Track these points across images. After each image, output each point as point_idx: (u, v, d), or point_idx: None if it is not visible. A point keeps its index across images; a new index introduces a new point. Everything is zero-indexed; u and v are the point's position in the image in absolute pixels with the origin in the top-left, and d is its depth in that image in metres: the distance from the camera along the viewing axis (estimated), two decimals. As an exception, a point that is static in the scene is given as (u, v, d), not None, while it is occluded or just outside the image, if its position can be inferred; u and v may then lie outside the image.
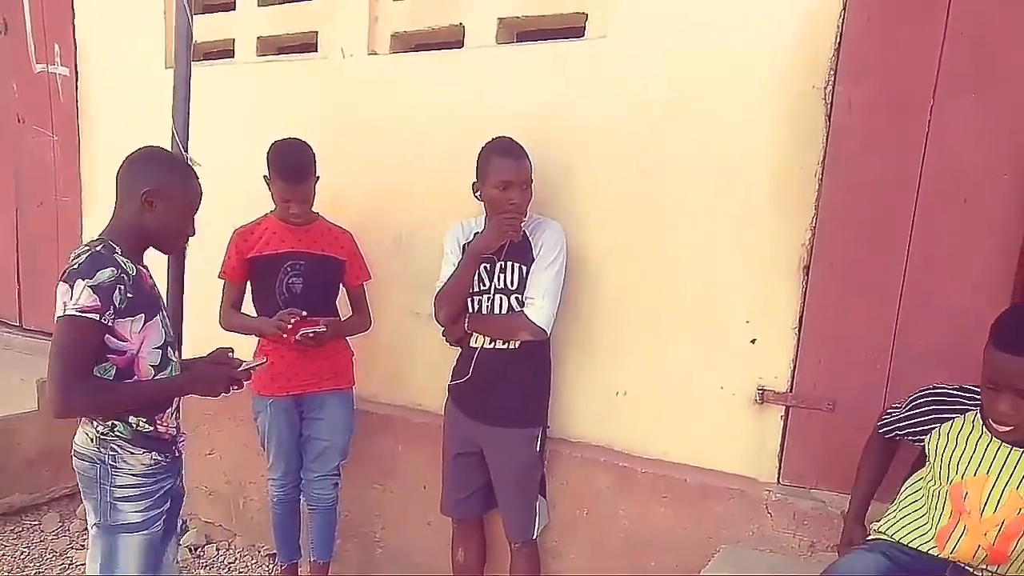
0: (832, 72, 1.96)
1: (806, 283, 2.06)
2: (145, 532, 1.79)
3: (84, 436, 1.78)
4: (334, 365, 2.54)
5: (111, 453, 1.76)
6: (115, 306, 1.66)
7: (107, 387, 1.72)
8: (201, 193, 1.87)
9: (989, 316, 1.79)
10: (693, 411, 2.24)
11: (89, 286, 1.63)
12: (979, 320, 1.83)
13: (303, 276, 2.46)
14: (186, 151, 2.30)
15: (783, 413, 2.12)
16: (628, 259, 2.29)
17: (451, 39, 2.59)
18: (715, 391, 2.20)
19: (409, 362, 2.76)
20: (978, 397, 1.60)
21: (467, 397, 2.31)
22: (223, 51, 3.08)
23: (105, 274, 1.65)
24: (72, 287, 1.63)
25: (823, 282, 2.03)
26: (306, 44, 2.92)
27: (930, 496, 1.68)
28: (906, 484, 1.76)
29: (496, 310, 2.21)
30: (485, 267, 2.21)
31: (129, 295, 1.69)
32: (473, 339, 2.25)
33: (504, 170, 2.13)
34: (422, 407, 2.73)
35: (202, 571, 3.08)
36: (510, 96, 2.43)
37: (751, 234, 2.11)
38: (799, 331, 2.08)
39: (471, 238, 2.25)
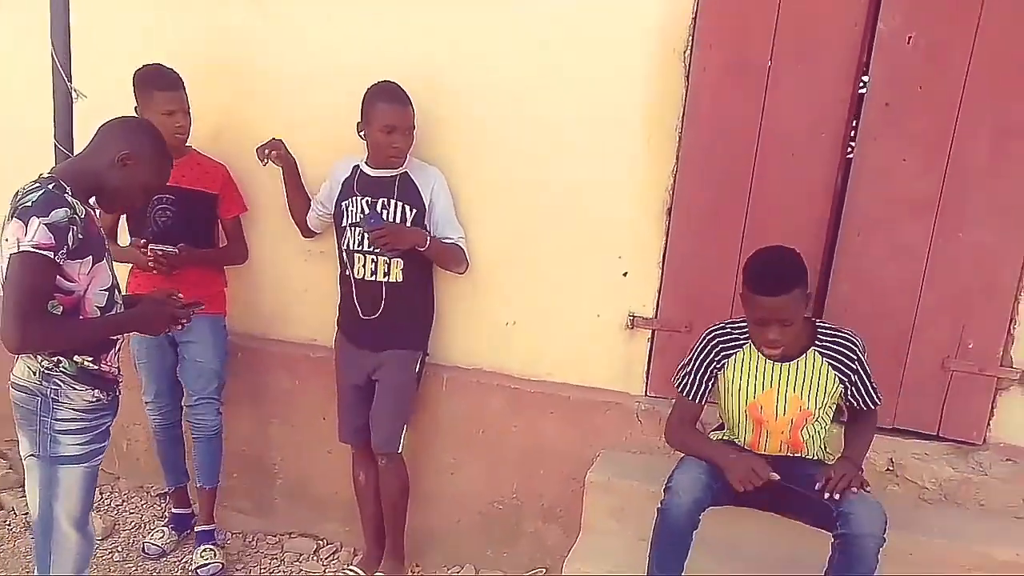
0: (690, 39, 2.54)
1: (668, 223, 2.69)
2: (86, 464, 2.13)
3: (26, 369, 2.05)
4: (205, 293, 2.82)
5: (54, 387, 2.03)
6: (67, 246, 1.91)
7: (62, 323, 1.99)
8: (164, 186, 2.23)
9: (811, 248, 2.52)
10: (574, 337, 2.88)
11: (44, 224, 1.85)
12: (804, 254, 2.55)
13: (172, 209, 2.83)
14: (70, 80, 2.54)
15: (650, 336, 2.80)
16: (513, 201, 2.84)
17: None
18: (592, 319, 2.83)
19: (303, 299, 3.21)
20: (746, 328, 2.26)
21: (354, 328, 2.82)
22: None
23: (60, 213, 1.88)
24: (27, 224, 1.85)
25: (682, 222, 2.68)
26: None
27: (732, 423, 2.38)
28: (715, 429, 2.51)
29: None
30: (368, 201, 2.69)
31: (80, 236, 1.94)
32: (357, 270, 2.73)
33: (389, 115, 2.60)
34: (318, 342, 3.19)
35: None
36: (399, 36, 2.84)
37: (623, 179, 2.71)
38: (663, 266, 2.72)
39: (348, 173, 2.75)
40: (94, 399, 2.12)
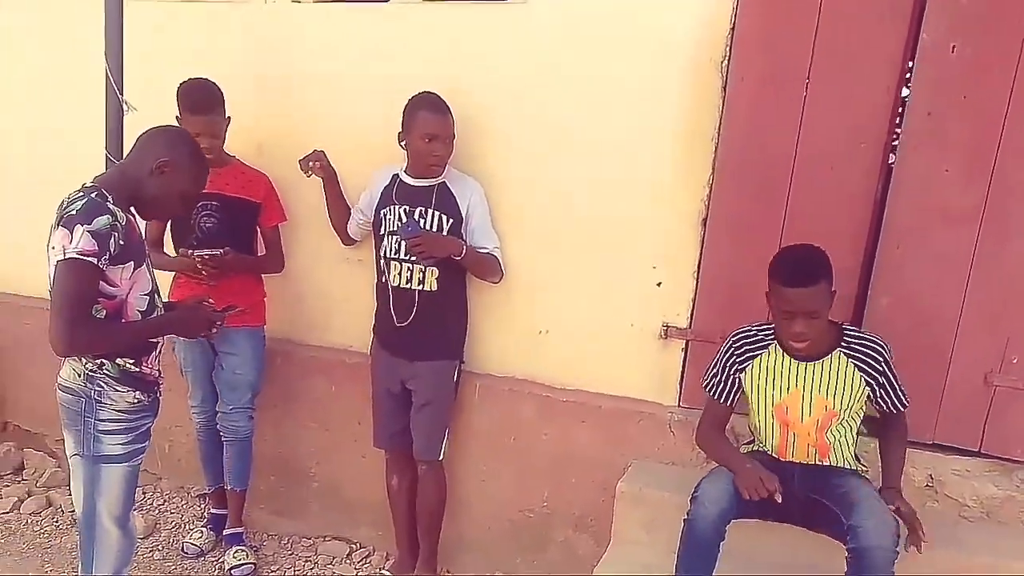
0: (728, 48, 2.53)
1: (704, 234, 2.67)
2: (127, 464, 2.20)
3: (71, 371, 2.13)
4: (246, 303, 2.87)
5: (97, 389, 2.11)
6: (110, 252, 1.98)
7: (106, 326, 2.07)
8: (201, 192, 2.30)
9: (849, 260, 2.48)
10: (607, 346, 2.86)
11: (88, 231, 1.93)
12: (842, 267, 2.52)
13: (216, 216, 2.88)
14: (121, 93, 2.62)
15: (684, 346, 2.77)
16: (548, 211, 2.85)
17: (377, -8, 2.98)
18: (626, 328, 2.82)
19: (341, 306, 3.25)
20: (772, 331, 2.30)
21: (389, 337, 2.84)
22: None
23: (102, 220, 1.96)
24: (72, 231, 1.93)
25: (718, 233, 2.65)
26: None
27: (760, 428, 2.37)
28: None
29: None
30: (406, 209, 2.71)
31: (121, 242, 2.01)
32: (393, 278, 2.75)
33: (430, 124, 2.62)
34: (354, 348, 3.23)
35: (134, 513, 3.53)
36: (432, 52, 2.87)
37: (659, 189, 2.70)
38: (698, 275, 2.70)
39: (388, 181, 2.78)
40: (135, 400, 2.18)
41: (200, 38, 3.20)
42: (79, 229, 1.94)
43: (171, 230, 2.96)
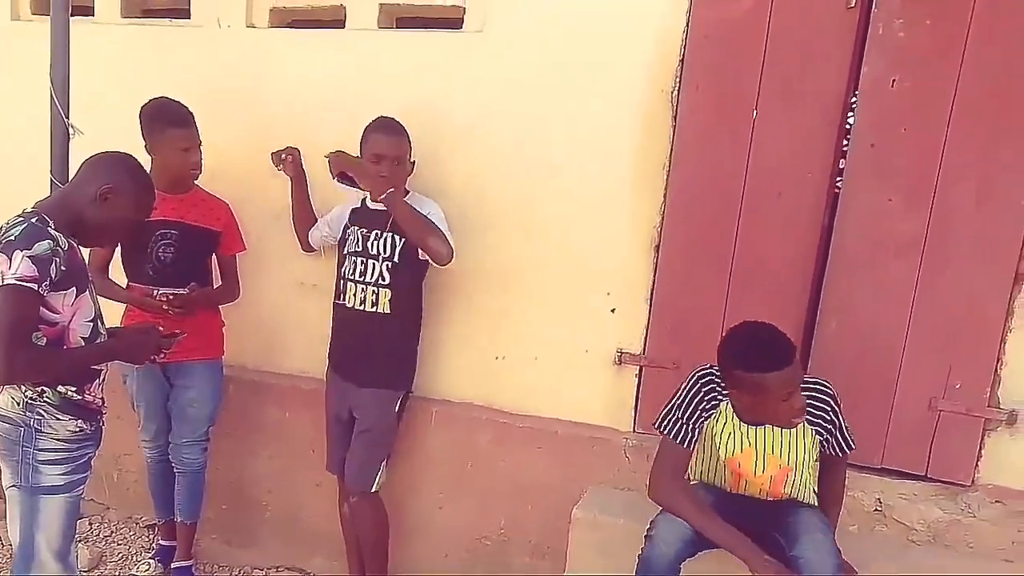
0: (678, 79, 2.56)
1: (657, 260, 2.68)
2: (68, 495, 2.12)
3: (9, 400, 2.06)
4: (203, 335, 2.86)
5: (37, 418, 2.04)
6: (51, 278, 1.92)
7: (47, 353, 2.01)
8: (147, 220, 2.24)
9: (797, 287, 2.51)
10: (562, 372, 2.85)
11: (27, 256, 1.88)
12: (790, 290, 2.56)
13: (174, 245, 2.78)
14: (67, 117, 2.55)
15: (637, 372, 2.77)
16: (503, 238, 2.84)
17: (330, 19, 2.97)
18: (581, 354, 2.81)
19: (294, 331, 3.20)
20: (723, 386, 2.19)
21: (341, 359, 2.80)
22: (79, 7, 3.25)
23: (43, 246, 1.91)
24: (11, 257, 1.88)
25: (670, 259, 2.67)
26: (175, 9, 3.16)
27: (711, 469, 2.31)
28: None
29: (367, 274, 2.66)
30: (363, 232, 2.69)
31: (63, 268, 1.96)
32: (348, 299, 2.71)
33: (377, 144, 2.60)
34: (308, 374, 3.18)
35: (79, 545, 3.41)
36: (391, 79, 2.86)
37: (612, 216, 2.71)
38: (651, 302, 2.71)
39: (357, 203, 2.76)
40: (77, 429, 2.12)
41: (151, 62, 3.14)
42: (18, 255, 1.88)
43: (123, 258, 2.84)
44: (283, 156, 2.83)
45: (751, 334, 2.08)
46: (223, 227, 2.90)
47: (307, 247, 3.00)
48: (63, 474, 2.10)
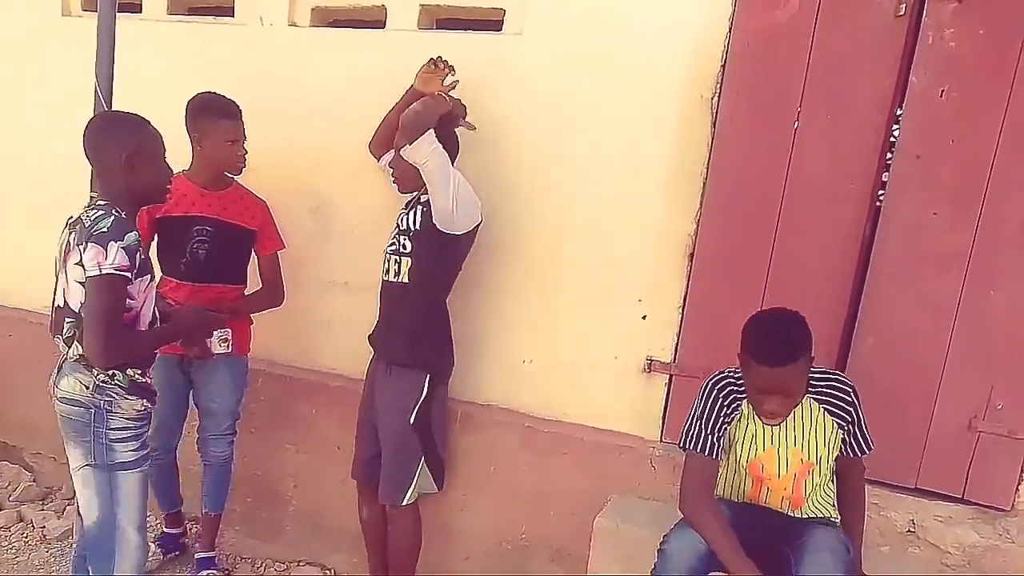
0: (718, 85, 2.49)
1: (690, 268, 2.61)
2: (139, 470, 2.21)
3: (76, 384, 2.12)
4: (235, 332, 2.78)
5: (107, 399, 2.13)
6: (135, 267, 2.05)
7: (136, 336, 2.15)
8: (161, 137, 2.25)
9: (835, 299, 2.43)
10: (590, 378, 2.79)
11: (121, 247, 2.00)
12: (827, 302, 2.48)
13: (209, 242, 2.76)
14: (109, 108, 2.55)
15: (667, 380, 2.70)
16: (536, 241, 2.79)
17: (371, 19, 2.95)
18: (610, 360, 2.75)
19: (326, 328, 3.17)
20: (742, 385, 2.10)
21: (374, 331, 2.76)
22: (127, 4, 3.28)
23: (132, 237, 2.04)
24: (106, 248, 1.99)
25: (704, 268, 2.59)
26: (220, 7, 3.17)
27: (730, 482, 2.22)
28: None
29: (395, 245, 2.64)
30: (402, 211, 2.68)
31: (142, 257, 2.09)
32: (383, 272, 2.68)
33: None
34: (337, 371, 3.16)
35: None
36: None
37: (646, 222, 2.64)
38: (683, 310, 2.64)
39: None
40: (142, 408, 2.21)
41: (193, 59, 3.15)
42: (113, 246, 1.99)
43: (159, 252, 2.80)
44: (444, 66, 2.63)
45: (769, 321, 2.04)
46: (259, 225, 2.86)
47: (373, 148, 2.84)
48: (134, 450, 2.19)
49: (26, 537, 3.29)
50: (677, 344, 2.67)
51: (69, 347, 2.12)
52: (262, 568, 3.22)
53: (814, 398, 2.13)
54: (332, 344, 3.16)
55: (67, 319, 2.10)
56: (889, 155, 2.42)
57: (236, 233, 2.81)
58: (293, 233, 3.10)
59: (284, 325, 3.21)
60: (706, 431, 2.13)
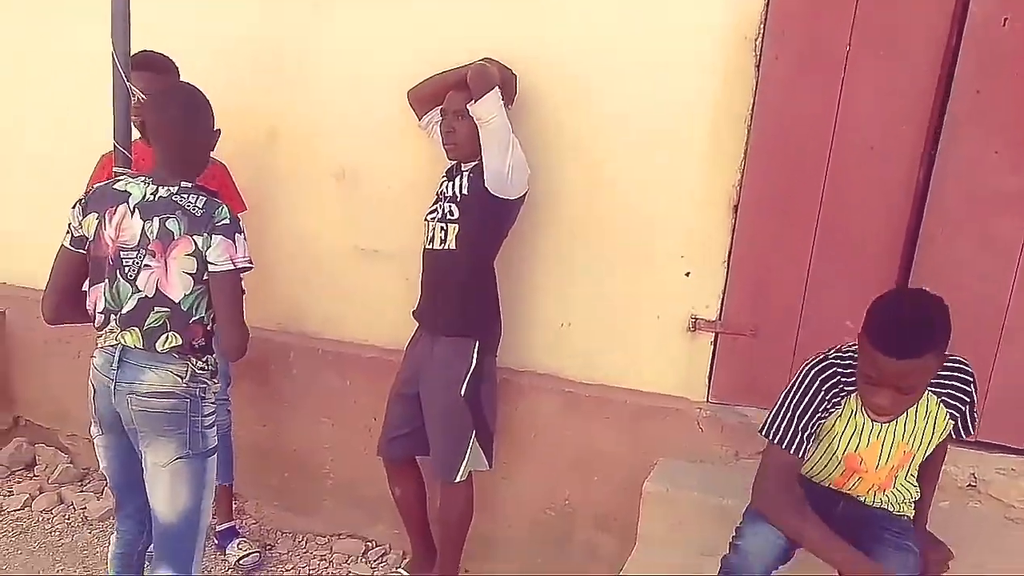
0: (762, 26, 2.36)
1: (735, 221, 2.50)
2: (217, 451, 2.19)
3: (169, 376, 2.02)
4: None
5: (201, 386, 2.08)
6: None
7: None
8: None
9: (889, 247, 2.32)
10: (632, 339, 2.70)
11: (244, 239, 2.01)
12: (880, 254, 2.38)
13: None
14: (128, 80, 2.46)
15: (712, 339, 2.61)
16: (572, 199, 2.68)
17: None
18: (652, 320, 2.66)
19: (355, 298, 3.10)
20: (853, 363, 1.81)
21: (419, 303, 2.68)
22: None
23: (241, 224, 2.03)
24: (234, 241, 1.98)
25: (750, 220, 2.49)
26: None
27: (821, 464, 1.97)
28: None
29: (439, 212, 2.56)
30: (444, 179, 2.61)
31: None
32: (427, 240, 2.60)
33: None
34: (369, 342, 3.09)
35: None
36: (459, 32, 2.69)
37: (687, 174, 2.53)
38: (728, 265, 2.54)
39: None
40: (218, 389, 2.20)
41: (211, 22, 3.04)
42: (239, 238, 1.99)
43: None
44: None
45: (901, 303, 1.74)
46: (218, 186, 2.74)
47: (417, 108, 2.71)
48: (215, 434, 2.17)
49: (68, 519, 3.28)
50: (722, 301, 2.57)
51: (155, 339, 2.00)
52: (303, 542, 3.20)
53: (933, 390, 1.86)
54: (363, 314, 3.09)
55: (158, 308, 1.98)
56: (946, 93, 2.28)
57: None
58: (317, 199, 3.03)
59: (313, 297, 3.16)
60: (796, 426, 1.84)
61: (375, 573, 3.03)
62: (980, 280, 2.31)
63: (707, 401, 2.66)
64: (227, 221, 1.98)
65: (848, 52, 2.29)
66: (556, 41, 2.60)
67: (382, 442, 2.78)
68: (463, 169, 2.56)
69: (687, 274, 2.58)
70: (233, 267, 1.98)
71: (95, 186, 2.12)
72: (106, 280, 2.02)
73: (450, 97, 2.51)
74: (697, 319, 2.60)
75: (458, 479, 2.61)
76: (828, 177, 2.39)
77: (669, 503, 2.47)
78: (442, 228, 2.54)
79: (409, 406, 2.67)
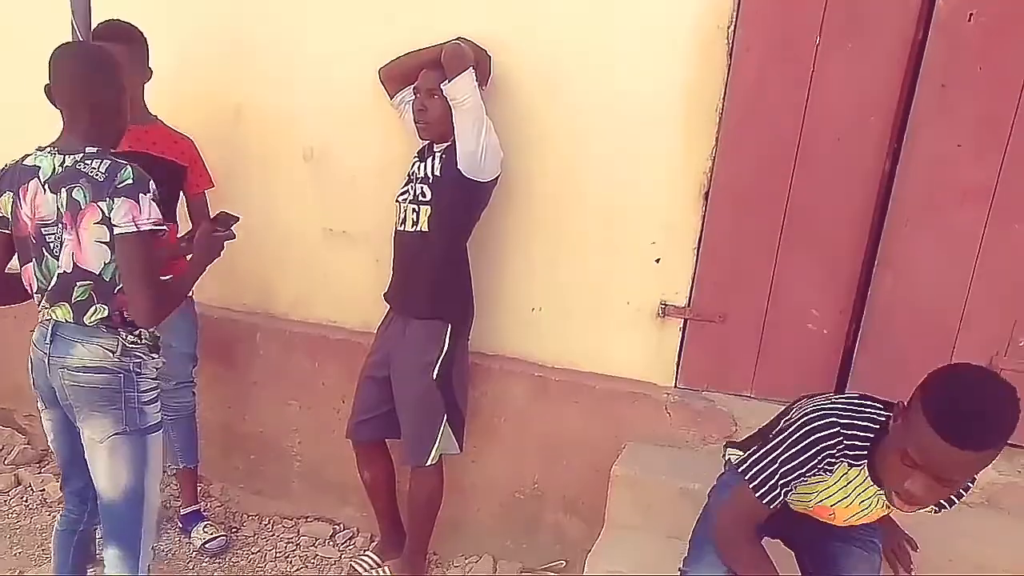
0: (735, 14, 2.38)
1: (705, 208, 2.53)
2: (161, 430, 2.13)
3: (99, 350, 1.96)
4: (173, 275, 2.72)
5: (136, 360, 2.01)
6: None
7: (172, 287, 2.08)
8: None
9: (854, 236, 2.37)
10: (602, 324, 2.73)
11: (151, 200, 1.88)
12: (846, 242, 2.43)
13: None
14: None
15: (681, 325, 2.65)
16: (544, 183, 2.69)
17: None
18: (622, 306, 2.69)
19: (324, 279, 3.08)
20: (865, 443, 1.64)
21: (390, 286, 2.67)
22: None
23: (152, 185, 1.90)
24: (138, 202, 1.86)
25: (720, 207, 2.52)
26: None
27: (791, 497, 1.79)
28: None
29: (410, 193, 2.55)
30: (416, 160, 2.61)
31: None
32: (399, 222, 2.59)
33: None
34: (337, 324, 3.08)
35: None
36: (432, 11, 2.67)
37: (659, 160, 2.55)
38: (698, 252, 2.57)
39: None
40: (161, 364, 2.13)
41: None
42: (144, 198, 1.87)
43: None
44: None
45: (975, 385, 1.48)
46: (188, 162, 2.74)
47: (388, 87, 2.69)
48: (158, 411, 2.11)
49: (26, 501, 3.23)
50: (692, 287, 2.60)
51: (83, 312, 1.95)
52: (270, 525, 3.18)
53: None
54: (331, 295, 3.08)
55: (80, 283, 1.92)
56: (913, 86, 2.33)
57: (167, 168, 2.64)
58: (287, 179, 3.01)
59: (281, 278, 3.13)
60: (777, 481, 1.71)
61: (342, 556, 3.03)
62: (941, 269, 2.37)
63: (675, 386, 2.69)
64: (130, 182, 1.87)
65: (818, 44, 2.32)
66: (530, 26, 2.59)
67: (351, 425, 2.77)
68: (435, 150, 2.55)
69: (657, 260, 2.61)
70: (136, 229, 1.86)
71: (5, 164, 2.02)
72: (33, 259, 1.97)
73: (423, 76, 2.50)
74: (667, 305, 2.63)
75: (429, 463, 2.61)
76: (797, 166, 2.42)
77: (637, 487, 2.51)
78: (414, 210, 2.54)
79: (379, 389, 2.67)
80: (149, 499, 2.12)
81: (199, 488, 3.15)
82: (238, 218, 2.27)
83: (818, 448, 1.65)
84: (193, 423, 2.98)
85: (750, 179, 2.47)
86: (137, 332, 2.02)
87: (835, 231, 2.45)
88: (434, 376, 2.54)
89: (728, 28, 2.39)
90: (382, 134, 2.82)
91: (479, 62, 2.48)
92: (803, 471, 1.67)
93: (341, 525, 3.18)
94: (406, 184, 2.61)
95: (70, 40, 2.26)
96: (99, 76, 1.95)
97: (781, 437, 1.71)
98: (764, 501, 1.72)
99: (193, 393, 2.95)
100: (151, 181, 1.91)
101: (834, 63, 2.33)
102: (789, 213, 2.46)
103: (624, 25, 2.49)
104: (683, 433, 2.63)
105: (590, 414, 2.74)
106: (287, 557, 3.01)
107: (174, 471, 3.13)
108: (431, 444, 2.60)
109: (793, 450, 1.68)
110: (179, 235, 2.78)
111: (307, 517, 3.22)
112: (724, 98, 2.44)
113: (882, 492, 1.67)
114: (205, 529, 3.00)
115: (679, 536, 2.11)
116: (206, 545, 2.95)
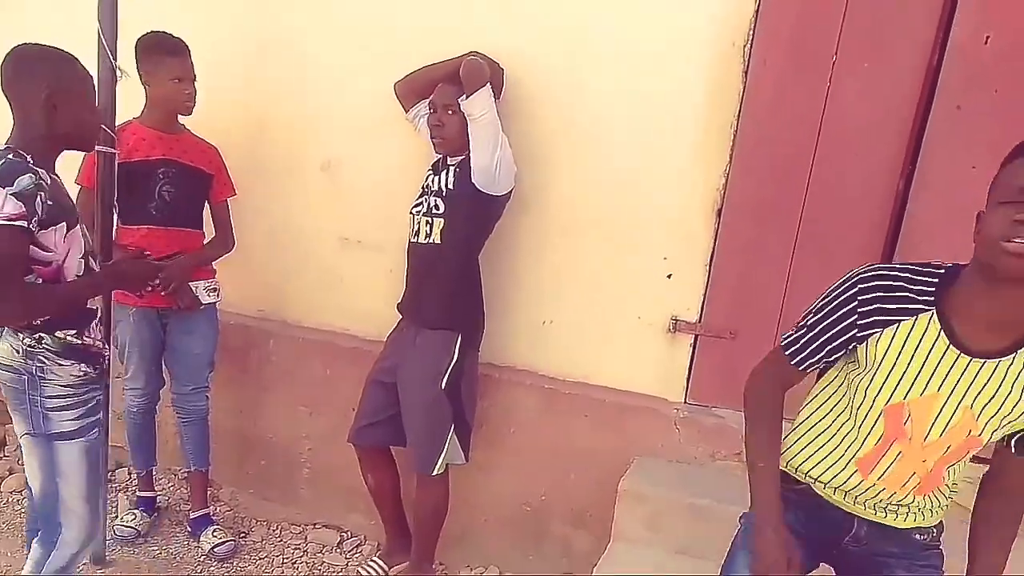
0: (751, 32, 2.40)
1: (718, 224, 2.55)
2: (83, 440, 2.08)
3: (8, 348, 1.98)
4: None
5: (39, 365, 1.97)
6: (38, 215, 1.83)
7: (39, 291, 1.93)
8: (92, 76, 2.08)
9: (868, 256, 2.38)
10: (613, 338, 2.75)
11: (11, 194, 1.78)
12: (859, 262, 2.39)
13: (174, 185, 2.73)
14: (115, 59, 2.46)
15: (692, 341, 2.66)
16: (558, 198, 2.72)
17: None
18: (633, 321, 2.70)
19: (337, 287, 3.12)
20: (934, 286, 1.41)
21: (403, 295, 2.70)
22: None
23: (25, 181, 1.80)
24: None
25: (732, 224, 2.53)
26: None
27: (850, 416, 1.54)
28: (808, 404, 1.65)
29: (424, 205, 2.58)
30: (430, 172, 2.64)
31: (49, 202, 1.86)
32: (412, 234, 2.63)
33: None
34: (350, 331, 3.11)
35: (120, 495, 3.40)
36: (448, 25, 2.72)
37: (672, 177, 2.57)
38: (710, 268, 2.58)
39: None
40: (82, 373, 2.05)
41: (200, 10, 3.03)
42: (1, 193, 1.78)
43: (125, 202, 2.63)
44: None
45: None
46: (214, 170, 2.84)
47: (404, 101, 2.73)
48: (75, 419, 2.05)
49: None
50: (703, 303, 2.62)
51: None
52: (278, 531, 3.21)
53: None
54: (345, 304, 3.11)
55: None
56: (928, 106, 2.34)
57: (197, 176, 2.79)
58: (302, 190, 3.05)
59: (295, 284, 3.17)
60: (818, 339, 1.51)
61: (349, 564, 3.05)
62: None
63: (685, 402, 2.70)
64: None
65: (834, 62, 2.34)
66: (547, 43, 2.63)
67: (354, 429, 2.80)
68: (449, 163, 2.58)
69: (669, 276, 2.63)
70: None
71: None
72: None
73: (439, 90, 2.54)
74: (678, 320, 2.64)
75: (435, 472, 2.63)
76: (810, 184, 2.44)
77: (644, 501, 2.51)
78: (427, 222, 2.57)
79: (385, 393, 2.70)
80: (67, 507, 2.09)
81: (208, 492, 3.19)
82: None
83: (868, 287, 1.43)
84: (205, 427, 3.02)
85: (763, 197, 2.49)
86: (37, 336, 1.97)
87: (848, 250, 2.45)
88: (443, 386, 2.56)
89: (744, 46, 2.41)
90: (398, 146, 2.86)
91: (492, 76, 2.51)
92: (848, 316, 1.45)
93: (348, 532, 3.20)
94: (420, 196, 2.64)
95: (68, 48, 2.32)
96: (20, 76, 1.92)
97: (822, 295, 1.54)
98: (795, 360, 1.55)
99: (207, 397, 2.99)
100: (26, 177, 1.81)
101: (850, 82, 2.34)
102: (802, 231, 2.47)
103: (639, 43, 2.52)
104: (692, 449, 2.64)
105: (599, 428, 2.75)
106: (294, 563, 3.04)
107: (185, 474, 3.17)
108: (438, 453, 2.62)
109: (836, 295, 1.49)
110: (204, 242, 2.85)
111: (315, 524, 3.24)
112: (739, 116, 2.46)
113: (965, 362, 1.39)
114: (214, 533, 3.03)
115: (686, 551, 2.12)
116: (214, 549, 2.98)
